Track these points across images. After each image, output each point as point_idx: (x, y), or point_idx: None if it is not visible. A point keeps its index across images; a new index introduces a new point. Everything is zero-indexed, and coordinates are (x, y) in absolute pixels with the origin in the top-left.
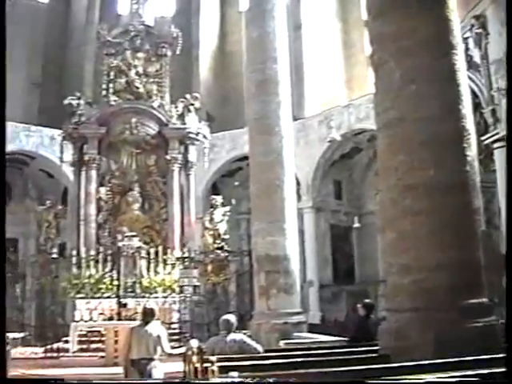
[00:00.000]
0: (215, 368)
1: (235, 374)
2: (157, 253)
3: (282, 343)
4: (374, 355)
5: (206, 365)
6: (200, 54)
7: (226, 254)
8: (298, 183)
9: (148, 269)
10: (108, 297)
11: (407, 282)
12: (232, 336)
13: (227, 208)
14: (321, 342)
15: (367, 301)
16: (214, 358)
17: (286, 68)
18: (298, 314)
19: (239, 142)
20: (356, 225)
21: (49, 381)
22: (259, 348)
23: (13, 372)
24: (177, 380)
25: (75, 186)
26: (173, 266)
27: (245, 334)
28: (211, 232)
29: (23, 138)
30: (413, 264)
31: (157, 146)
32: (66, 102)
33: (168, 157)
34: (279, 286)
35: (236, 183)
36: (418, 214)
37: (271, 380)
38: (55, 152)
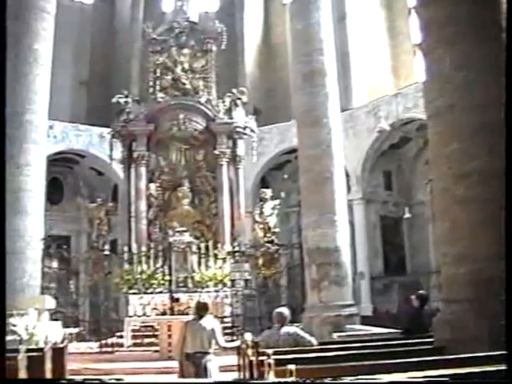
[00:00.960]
0: (271, 361)
1: (292, 366)
2: (207, 247)
3: (335, 336)
4: (429, 347)
5: (261, 358)
6: (245, 47)
7: (277, 248)
8: (347, 175)
9: (199, 263)
10: (160, 292)
11: (463, 272)
12: (286, 329)
13: (277, 201)
14: (374, 334)
15: (421, 292)
16: (270, 351)
17: (332, 59)
18: (349, 306)
19: (287, 135)
20: (406, 215)
21: (51, 380)
22: (313, 341)
23: (69, 367)
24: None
25: (125, 182)
26: (224, 260)
27: (297, 326)
28: (261, 226)
29: (73, 137)
30: (468, 253)
31: (205, 141)
32: (113, 100)
33: (216, 151)
34: (330, 278)
35: (285, 176)
36: (472, 203)
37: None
38: (105, 150)
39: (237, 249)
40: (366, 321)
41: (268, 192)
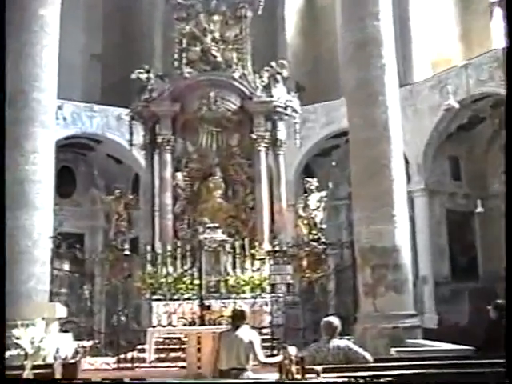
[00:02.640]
0: (321, 379)
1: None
2: (243, 246)
3: (393, 351)
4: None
5: (308, 376)
6: (286, 13)
7: (324, 247)
8: (407, 162)
9: (234, 265)
10: (188, 298)
11: None
12: (335, 342)
13: (323, 193)
14: (439, 350)
15: (500, 301)
16: (318, 368)
17: (389, 25)
18: (410, 316)
19: (335, 116)
20: (478, 209)
21: (50, 381)
22: (368, 357)
23: None
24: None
25: (148, 171)
26: (262, 261)
27: (349, 339)
28: (306, 221)
29: (86, 119)
30: None
31: (240, 124)
32: (132, 76)
33: (253, 135)
34: (388, 283)
35: (333, 163)
36: None
37: None
38: (123, 134)
39: (277, 248)
40: (429, 334)
41: (313, 182)
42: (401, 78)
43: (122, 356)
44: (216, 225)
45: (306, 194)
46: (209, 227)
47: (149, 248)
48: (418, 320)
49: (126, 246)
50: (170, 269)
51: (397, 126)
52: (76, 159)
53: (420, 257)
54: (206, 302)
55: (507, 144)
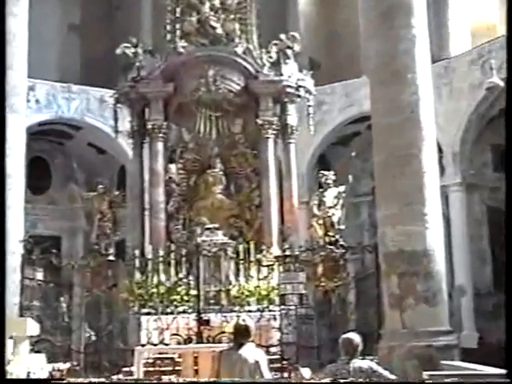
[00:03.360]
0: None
1: None
2: (248, 251)
3: (425, 375)
4: None
5: None
6: None
7: (343, 251)
8: (441, 151)
9: (237, 273)
10: (184, 311)
11: None
12: (357, 363)
13: (342, 188)
14: (480, 375)
15: None
16: None
17: None
18: (445, 333)
19: (356, 97)
20: None
21: (49, 381)
22: (395, 380)
23: None
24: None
25: (136, 163)
26: (270, 268)
27: (372, 360)
28: (321, 221)
29: (62, 102)
30: None
31: (244, 107)
32: (117, 51)
33: (259, 120)
34: (418, 293)
35: (353, 154)
36: None
37: None
38: (107, 120)
39: (288, 253)
40: (468, 355)
41: (330, 175)
42: (434, 52)
43: (106, 380)
44: (216, 225)
45: (321, 190)
46: (208, 228)
47: (137, 253)
48: (454, 338)
49: (111, 251)
50: (163, 277)
51: (429, 109)
52: (51, 149)
53: (456, 263)
54: (205, 316)
55: (507, 144)
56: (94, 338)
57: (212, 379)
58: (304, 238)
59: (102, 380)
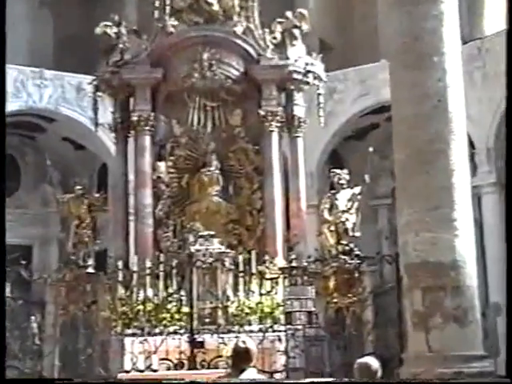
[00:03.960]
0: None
1: None
2: (249, 261)
3: None
4: None
5: None
6: None
7: (358, 262)
8: (473, 146)
9: (236, 287)
10: (175, 332)
11: None
12: None
13: (357, 189)
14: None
15: None
16: None
17: None
18: (478, 358)
19: (373, 84)
20: None
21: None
22: None
23: None
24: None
25: (119, 161)
26: (274, 281)
27: None
28: (333, 227)
29: (33, 89)
30: None
31: (244, 96)
32: (97, 30)
33: (261, 111)
34: (446, 311)
35: (370, 149)
36: None
37: None
38: (85, 110)
39: (294, 264)
40: None
41: (343, 174)
42: (465, 32)
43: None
44: (212, 233)
45: (333, 191)
46: (202, 236)
47: (121, 264)
48: (489, 364)
49: (90, 262)
50: (150, 292)
51: (458, 97)
52: (20, 144)
53: (490, 276)
54: (199, 338)
55: (507, 144)
56: (74, 364)
57: None
58: (313, 247)
59: (102, 380)
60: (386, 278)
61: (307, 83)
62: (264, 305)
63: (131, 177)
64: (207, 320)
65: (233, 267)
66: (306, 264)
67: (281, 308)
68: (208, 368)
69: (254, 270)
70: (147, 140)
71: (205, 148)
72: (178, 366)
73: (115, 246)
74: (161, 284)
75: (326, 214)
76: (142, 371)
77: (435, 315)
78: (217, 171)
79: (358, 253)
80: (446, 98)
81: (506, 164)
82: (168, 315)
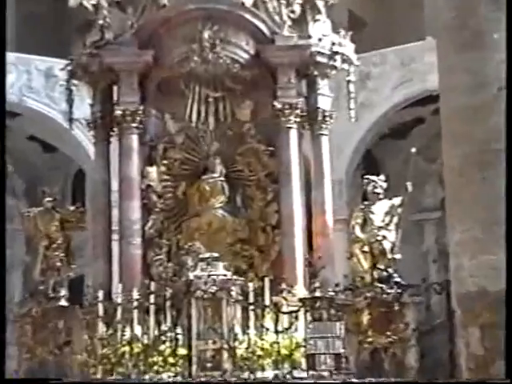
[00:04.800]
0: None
1: None
2: (262, 291)
3: None
4: None
5: None
6: None
7: (398, 291)
8: None
9: (245, 323)
10: (169, 379)
11: None
12: None
13: (397, 200)
14: None
15: None
16: None
17: None
18: None
19: (417, 69)
20: None
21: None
22: None
23: None
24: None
25: (99, 166)
26: (293, 316)
27: None
28: (367, 247)
29: None
30: None
31: (254, 84)
32: (71, 2)
33: (277, 103)
34: None
35: (413, 150)
36: None
37: None
38: (57, 102)
39: (318, 294)
40: None
41: (380, 182)
42: None
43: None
44: (215, 255)
45: (367, 203)
46: (203, 259)
47: (101, 295)
48: None
49: (63, 293)
50: (138, 330)
51: None
52: None
53: None
54: None
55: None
56: None
57: None
58: (342, 273)
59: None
60: (433, 312)
61: (334, 68)
62: (281, 345)
63: (115, 185)
64: (209, 364)
65: (241, 298)
66: (333, 294)
67: (301, 349)
68: None
69: (267, 302)
70: (135, 139)
71: (206, 149)
72: None
73: (94, 273)
74: (152, 320)
75: (359, 231)
76: None
77: (497, 359)
78: (221, 178)
79: (398, 280)
80: (508, 85)
81: (507, 164)
82: (160, 358)
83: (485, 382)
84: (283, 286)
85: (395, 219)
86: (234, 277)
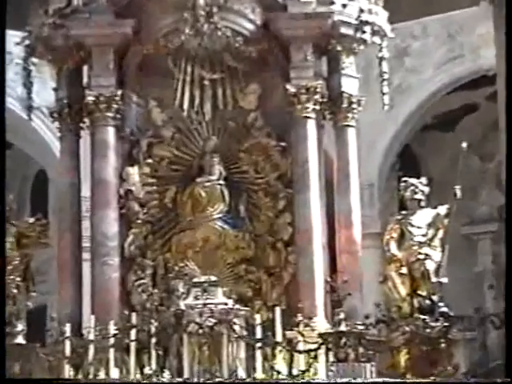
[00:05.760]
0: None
1: None
2: (272, 324)
3: None
4: None
5: None
6: None
7: (445, 325)
8: None
9: (252, 365)
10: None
11: None
12: None
13: (443, 208)
14: None
15: None
16: None
17: None
18: None
19: (467, 42)
20: None
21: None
22: None
23: None
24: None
25: (66, 166)
26: (312, 355)
27: None
28: (405, 269)
29: None
30: None
31: (262, 63)
32: None
33: (290, 87)
34: None
35: (463, 145)
36: None
37: None
38: (12, 87)
39: (344, 328)
40: None
41: (421, 186)
42: None
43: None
44: (213, 278)
45: (404, 212)
46: (198, 284)
47: (68, 330)
48: None
49: (20, 328)
50: (115, 373)
51: None
52: None
53: None
54: None
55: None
56: None
57: None
58: (373, 301)
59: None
60: (491, 351)
61: (362, 42)
62: None
63: (86, 191)
64: None
65: (246, 333)
66: (361, 328)
67: None
68: None
69: (279, 338)
70: (111, 133)
71: (202, 145)
72: None
73: (60, 302)
74: (132, 361)
75: (394, 249)
76: None
77: None
78: (220, 181)
79: (444, 310)
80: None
81: (507, 164)
82: None
83: (485, 382)
84: (299, 317)
85: (441, 233)
86: (237, 306)
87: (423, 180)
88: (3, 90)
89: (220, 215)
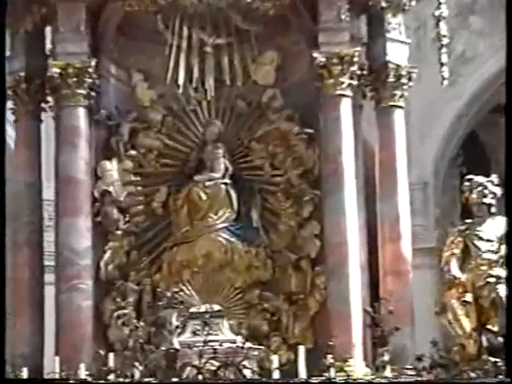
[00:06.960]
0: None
1: None
2: (294, 367)
3: None
4: None
5: None
6: None
7: None
8: None
9: None
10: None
11: None
12: None
13: None
14: None
15: None
16: None
17: None
18: None
19: None
20: None
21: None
22: None
23: None
24: None
25: (24, 159)
26: None
27: None
28: (470, 296)
29: None
30: None
31: (281, 24)
32: None
33: (318, 55)
34: None
35: None
36: None
37: None
38: None
39: (389, 372)
40: None
41: (491, 186)
42: None
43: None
44: (217, 307)
45: (469, 221)
46: (196, 315)
47: (25, 374)
48: None
49: None
50: None
51: None
52: None
53: None
54: None
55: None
56: None
57: None
58: (428, 338)
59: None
60: None
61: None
62: None
63: (49, 192)
64: None
65: (261, 378)
66: (413, 373)
67: None
68: None
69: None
70: (82, 116)
71: (202, 132)
72: None
73: (15, 338)
74: None
75: (456, 269)
76: None
77: None
78: (226, 180)
79: None
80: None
81: (506, 164)
82: None
83: (485, 382)
84: (329, 359)
85: None
86: (248, 344)
87: (494, 178)
88: (3, 90)
89: (226, 224)
